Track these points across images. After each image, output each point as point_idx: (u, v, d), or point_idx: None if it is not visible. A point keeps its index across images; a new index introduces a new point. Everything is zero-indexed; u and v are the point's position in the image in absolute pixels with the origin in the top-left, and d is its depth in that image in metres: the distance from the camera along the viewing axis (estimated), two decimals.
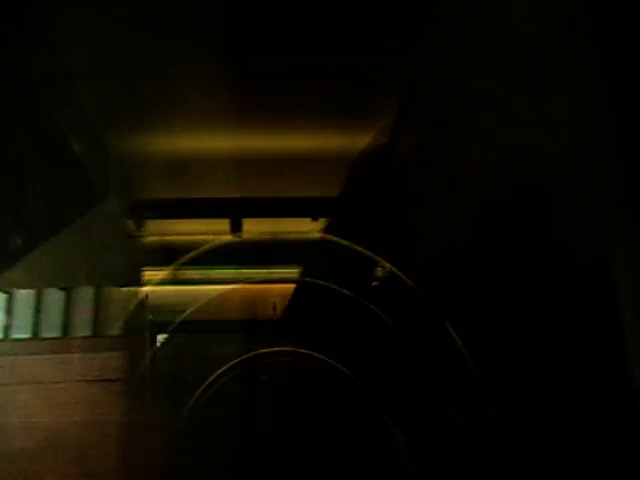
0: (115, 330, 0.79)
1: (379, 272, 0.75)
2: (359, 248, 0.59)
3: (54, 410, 0.83)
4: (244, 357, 0.54)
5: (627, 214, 0.54)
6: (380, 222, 0.85)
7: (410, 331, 0.54)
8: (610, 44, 0.54)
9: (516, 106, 0.62)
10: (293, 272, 0.79)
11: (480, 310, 0.65)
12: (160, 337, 0.66)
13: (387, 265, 0.61)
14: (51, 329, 0.93)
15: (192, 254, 0.57)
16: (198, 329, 0.62)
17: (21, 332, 0.94)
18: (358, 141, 0.85)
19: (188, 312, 0.58)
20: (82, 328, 0.99)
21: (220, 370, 0.54)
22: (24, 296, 0.97)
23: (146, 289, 0.61)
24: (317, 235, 0.70)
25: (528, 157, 0.62)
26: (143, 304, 0.59)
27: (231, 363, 0.54)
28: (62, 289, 0.96)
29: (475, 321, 0.62)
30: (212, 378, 0.54)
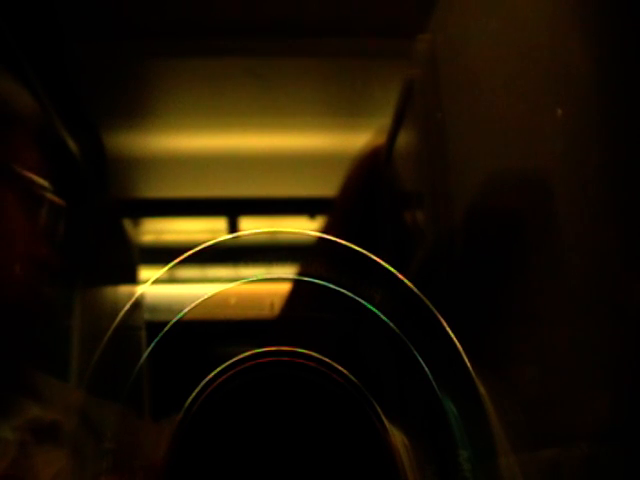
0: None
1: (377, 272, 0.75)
2: (358, 248, 0.59)
3: None
4: (241, 357, 0.54)
5: None
6: (379, 222, 0.85)
7: (409, 331, 0.54)
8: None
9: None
10: (291, 272, 0.79)
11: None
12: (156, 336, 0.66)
13: (385, 265, 0.60)
14: None
15: (189, 253, 0.56)
16: (195, 328, 0.62)
17: None
18: (358, 141, 0.85)
19: (184, 311, 0.57)
20: None
21: (217, 370, 0.53)
22: None
23: (142, 288, 0.60)
24: (315, 234, 0.70)
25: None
26: (139, 303, 0.58)
27: (228, 362, 0.54)
28: None
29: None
30: (209, 378, 0.53)
